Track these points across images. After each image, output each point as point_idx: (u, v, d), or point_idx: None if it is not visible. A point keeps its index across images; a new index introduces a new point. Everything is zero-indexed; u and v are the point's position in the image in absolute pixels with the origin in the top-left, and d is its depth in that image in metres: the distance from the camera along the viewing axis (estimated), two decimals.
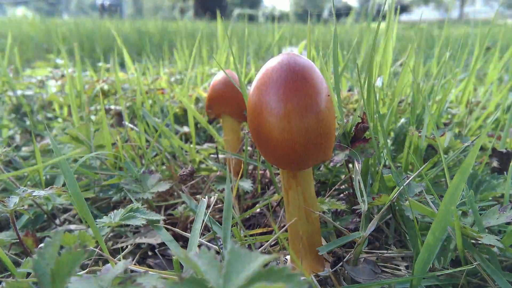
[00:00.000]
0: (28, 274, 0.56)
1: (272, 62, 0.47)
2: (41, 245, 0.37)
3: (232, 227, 0.58)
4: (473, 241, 0.54)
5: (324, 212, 0.65)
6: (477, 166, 0.79)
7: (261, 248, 0.59)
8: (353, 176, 0.62)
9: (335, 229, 0.66)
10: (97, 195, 0.84)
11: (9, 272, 0.58)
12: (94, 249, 0.56)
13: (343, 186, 0.78)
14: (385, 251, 0.63)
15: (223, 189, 0.77)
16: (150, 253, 0.72)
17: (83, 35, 3.66)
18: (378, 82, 1.04)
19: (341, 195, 0.77)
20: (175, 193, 0.86)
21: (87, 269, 0.57)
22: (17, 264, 0.61)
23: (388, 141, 0.91)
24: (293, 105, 0.45)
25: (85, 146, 0.88)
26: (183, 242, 0.72)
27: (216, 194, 0.79)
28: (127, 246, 0.71)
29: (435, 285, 0.54)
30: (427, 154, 0.87)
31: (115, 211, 0.63)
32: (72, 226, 0.76)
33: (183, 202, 0.78)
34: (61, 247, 0.53)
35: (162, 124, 0.89)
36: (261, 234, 0.69)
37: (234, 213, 0.62)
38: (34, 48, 2.92)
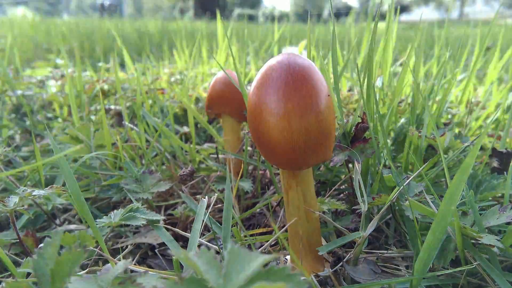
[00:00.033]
0: (28, 274, 0.56)
1: (272, 62, 0.47)
2: (41, 245, 0.37)
3: (232, 227, 0.58)
4: (473, 241, 0.54)
5: (324, 212, 0.65)
6: (477, 166, 0.79)
7: (261, 248, 0.59)
8: (353, 176, 0.62)
9: (335, 229, 0.66)
10: (97, 195, 0.84)
11: (9, 272, 0.58)
12: (94, 249, 0.56)
13: (343, 186, 0.78)
14: (385, 251, 0.63)
15: (223, 189, 0.77)
16: (150, 253, 0.72)
17: (83, 35, 3.66)
18: (378, 82, 1.04)
19: (341, 195, 0.77)
20: (175, 193, 0.86)
21: (87, 269, 0.57)
22: (17, 264, 0.61)
23: (388, 141, 0.91)
24: (293, 105, 0.45)
25: (85, 146, 0.88)
26: (183, 242, 0.72)
27: (216, 194, 0.79)
28: (127, 246, 0.71)
29: (435, 285, 0.54)
30: (427, 154, 0.87)
31: (115, 211, 0.63)
32: (72, 226, 0.76)
33: (183, 202, 0.78)
34: (61, 247, 0.53)
35: (162, 124, 0.89)
36: (261, 234, 0.69)
37: (234, 213, 0.62)
38: (34, 48, 2.92)
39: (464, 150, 0.75)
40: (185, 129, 1.24)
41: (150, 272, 0.39)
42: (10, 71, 1.61)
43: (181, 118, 1.33)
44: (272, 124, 0.46)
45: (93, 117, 1.28)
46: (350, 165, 0.75)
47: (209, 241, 0.67)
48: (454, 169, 0.81)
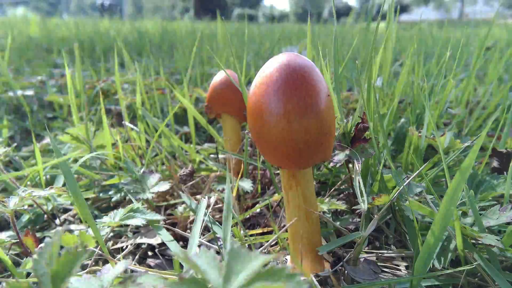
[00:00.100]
0: (28, 274, 0.56)
1: (272, 62, 0.47)
2: (41, 245, 0.37)
3: (232, 227, 0.58)
4: (473, 241, 0.54)
5: (324, 212, 0.65)
6: (477, 166, 0.79)
7: (261, 248, 0.59)
8: (353, 176, 0.62)
9: (335, 229, 0.66)
10: (97, 195, 0.84)
11: (9, 272, 0.58)
12: (94, 249, 0.56)
13: (343, 186, 0.78)
14: (385, 251, 0.63)
15: (223, 189, 0.77)
16: (150, 253, 0.72)
17: (83, 35, 3.66)
18: (378, 82, 1.04)
19: (341, 195, 0.77)
20: (175, 193, 0.86)
21: (87, 269, 0.57)
22: (17, 264, 0.61)
23: (388, 141, 0.91)
24: (293, 105, 0.45)
25: (85, 146, 0.88)
26: (183, 242, 0.72)
27: (216, 194, 0.79)
28: (127, 246, 0.71)
29: (435, 285, 0.54)
30: (427, 154, 0.87)
31: (115, 211, 0.63)
32: (72, 226, 0.76)
33: (183, 202, 0.78)
34: (61, 247, 0.53)
35: (162, 124, 0.89)
36: (261, 234, 0.69)
37: (234, 213, 0.62)
38: (34, 48, 2.91)
39: (464, 150, 0.75)
40: (185, 129, 1.24)
41: (150, 272, 0.39)
42: (10, 71, 1.61)
43: (181, 118, 1.33)
44: (272, 124, 0.46)
45: (93, 117, 1.28)
46: (350, 165, 0.75)
47: (209, 241, 0.67)
48: (454, 169, 0.81)
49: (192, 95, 1.34)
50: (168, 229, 0.63)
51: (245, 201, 0.83)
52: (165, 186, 0.74)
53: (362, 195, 0.58)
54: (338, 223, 0.64)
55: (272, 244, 0.68)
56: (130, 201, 0.81)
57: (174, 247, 0.59)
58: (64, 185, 0.85)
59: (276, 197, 0.75)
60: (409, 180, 0.60)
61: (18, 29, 4.08)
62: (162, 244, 0.72)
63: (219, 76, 0.88)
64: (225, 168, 0.89)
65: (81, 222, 0.79)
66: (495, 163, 0.79)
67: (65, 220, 0.82)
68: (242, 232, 0.66)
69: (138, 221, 0.60)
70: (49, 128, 1.27)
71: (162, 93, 1.36)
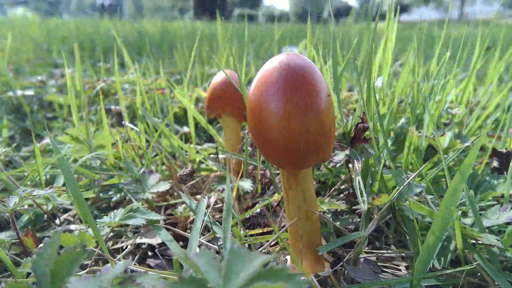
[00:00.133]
0: (28, 274, 0.56)
1: (272, 62, 0.47)
2: (41, 245, 0.37)
3: (232, 227, 0.58)
4: (473, 241, 0.54)
5: (324, 212, 0.65)
6: (477, 166, 0.79)
7: (261, 248, 0.59)
8: (353, 176, 0.61)
9: (335, 229, 0.66)
10: (97, 195, 0.84)
11: (9, 272, 0.58)
12: (94, 249, 0.56)
13: (343, 186, 0.78)
14: (385, 251, 0.63)
15: (223, 189, 0.77)
16: (150, 253, 0.72)
17: (83, 35, 3.66)
18: (378, 82, 1.04)
19: (341, 195, 0.77)
20: (175, 193, 0.86)
21: (87, 269, 0.57)
22: (17, 264, 0.61)
23: (388, 141, 0.91)
24: (293, 104, 0.45)
25: (85, 146, 0.88)
26: (183, 242, 0.72)
27: (216, 194, 0.79)
28: (127, 246, 0.71)
29: (435, 285, 0.54)
30: (427, 154, 0.87)
31: (115, 211, 0.63)
32: (72, 226, 0.76)
33: (183, 202, 0.78)
34: (61, 247, 0.52)
35: (162, 124, 0.89)
36: (261, 234, 0.69)
37: (234, 213, 0.62)
38: (34, 48, 2.92)
39: (464, 150, 0.75)
40: (185, 129, 1.24)
41: (150, 272, 0.39)
42: (10, 71, 1.61)
43: (181, 118, 1.33)
44: (272, 124, 0.46)
45: (93, 117, 1.28)
46: (350, 165, 0.75)
47: (209, 241, 0.67)
48: (454, 169, 0.81)
49: (192, 95, 1.34)
50: (168, 229, 0.63)
51: (245, 201, 0.83)
52: (165, 186, 0.74)
53: (362, 195, 0.58)
54: (338, 223, 0.64)
55: (272, 244, 0.68)
56: (130, 201, 0.81)
57: (174, 247, 0.59)
58: (64, 185, 0.85)
59: (276, 197, 0.75)
60: (409, 180, 0.60)
61: (18, 29, 4.08)
62: (162, 244, 0.72)
63: (219, 76, 0.88)
64: (225, 168, 0.89)
65: (81, 222, 0.79)
66: (495, 163, 0.79)
67: (65, 220, 0.82)
68: (242, 232, 0.66)
69: (138, 221, 0.60)
70: (49, 128, 1.27)
71: (162, 93, 1.36)
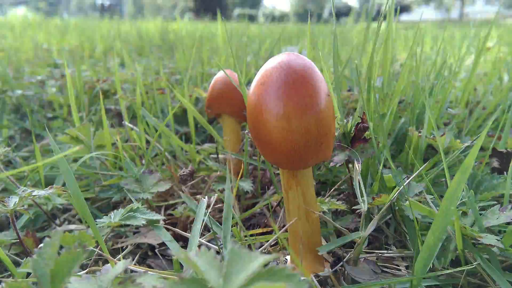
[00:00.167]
0: (28, 274, 0.56)
1: (272, 62, 0.47)
2: (41, 245, 0.37)
3: (232, 227, 0.58)
4: (473, 241, 0.54)
5: (324, 212, 0.65)
6: (477, 166, 0.79)
7: (261, 248, 0.59)
8: (353, 176, 0.61)
9: (335, 229, 0.66)
10: (97, 195, 0.84)
11: (9, 272, 0.58)
12: (94, 249, 0.56)
13: (343, 186, 0.78)
14: (385, 251, 0.63)
15: (223, 189, 0.77)
16: (150, 253, 0.72)
17: (83, 35, 3.66)
18: (378, 82, 1.04)
19: (341, 195, 0.77)
20: (175, 193, 0.86)
21: (87, 269, 0.57)
22: (17, 264, 0.61)
23: (388, 141, 0.91)
24: (293, 104, 0.45)
25: (85, 146, 0.88)
26: (183, 242, 0.72)
27: (216, 194, 0.79)
28: (127, 246, 0.71)
29: (435, 285, 0.54)
30: (427, 154, 0.87)
31: (115, 211, 0.63)
32: (72, 226, 0.76)
33: (183, 202, 0.78)
34: (61, 247, 0.52)
35: (162, 124, 0.89)
36: (261, 234, 0.69)
37: (234, 213, 0.62)
38: (34, 48, 2.92)
39: (464, 150, 0.75)
40: (185, 129, 1.24)
41: (150, 272, 0.39)
42: (10, 71, 1.61)
43: (181, 118, 1.33)
44: (272, 123, 0.46)
45: (93, 117, 1.28)
46: (350, 165, 0.75)
47: (209, 241, 0.66)
48: (454, 169, 0.81)
49: (192, 95, 1.34)
50: (168, 229, 0.63)
51: (245, 201, 0.83)
52: (165, 186, 0.74)
53: (362, 195, 0.58)
54: (338, 223, 0.64)
55: (272, 244, 0.68)
56: (130, 201, 0.81)
57: (174, 247, 0.59)
58: (64, 185, 0.85)
59: (276, 197, 0.75)
60: (409, 180, 0.60)
61: (18, 29, 4.09)
62: (162, 244, 0.72)
63: (219, 76, 0.88)
64: (225, 168, 0.89)
65: (81, 222, 0.79)
66: (495, 163, 0.79)
67: (65, 220, 0.82)
68: (242, 232, 0.66)
69: (138, 221, 0.60)
70: (49, 128, 1.27)
71: (162, 93, 1.36)
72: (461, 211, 0.59)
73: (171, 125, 1.12)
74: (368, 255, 0.61)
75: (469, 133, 1.01)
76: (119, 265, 0.38)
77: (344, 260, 0.57)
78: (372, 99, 0.70)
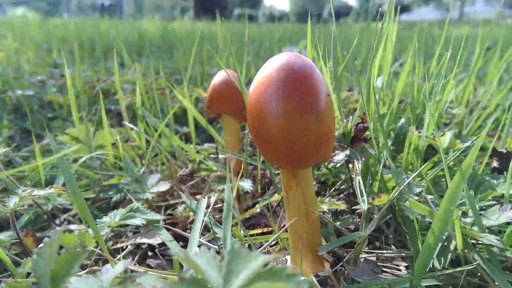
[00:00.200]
0: (28, 274, 0.56)
1: (272, 62, 0.47)
2: (41, 245, 0.37)
3: (232, 227, 0.58)
4: (473, 241, 0.54)
5: (324, 212, 0.65)
6: (477, 166, 0.79)
7: (261, 248, 0.59)
8: (353, 176, 0.61)
9: (335, 229, 0.66)
10: (97, 195, 0.84)
11: (9, 272, 0.58)
12: (94, 249, 0.56)
13: (343, 186, 0.78)
14: (385, 251, 0.63)
15: (223, 189, 0.77)
16: (150, 253, 0.72)
17: (83, 35, 3.66)
18: (378, 82, 1.04)
19: (341, 195, 0.77)
20: (175, 193, 0.86)
21: (87, 269, 0.57)
22: (17, 264, 0.61)
23: (388, 141, 0.91)
24: (293, 104, 0.45)
25: (85, 146, 0.88)
26: (183, 242, 0.72)
27: (216, 194, 0.79)
28: (127, 246, 0.71)
29: (435, 285, 0.54)
30: (427, 154, 0.87)
31: (115, 211, 0.63)
32: (72, 226, 0.76)
33: (183, 202, 0.78)
34: (61, 247, 0.52)
35: (162, 124, 0.89)
36: (261, 234, 0.69)
37: (234, 213, 0.62)
38: (34, 48, 2.92)
39: (464, 150, 0.75)
40: (185, 129, 1.24)
41: (150, 272, 0.39)
42: (10, 71, 1.61)
43: (181, 118, 1.33)
44: (272, 123, 0.46)
45: (93, 117, 1.28)
46: (350, 165, 0.75)
47: (209, 241, 0.67)
48: (454, 169, 0.81)
49: (192, 95, 1.34)
50: (168, 229, 0.63)
51: (245, 201, 0.83)
52: (165, 186, 0.74)
53: (362, 195, 0.58)
54: (338, 223, 0.64)
55: (272, 244, 0.68)
56: (130, 201, 0.81)
57: (174, 247, 0.59)
58: (64, 185, 0.85)
59: (276, 197, 0.75)
60: (409, 180, 0.60)
61: (18, 29, 4.08)
62: (162, 244, 0.72)
63: (219, 76, 0.88)
64: (225, 168, 0.89)
65: (81, 222, 0.79)
66: (495, 163, 0.79)
67: (65, 220, 0.82)
68: (242, 232, 0.66)
69: (138, 221, 0.60)
70: (49, 128, 1.27)
71: (162, 93, 1.36)
72: (461, 211, 0.59)
73: (171, 125, 1.12)
74: (368, 255, 0.61)
75: (469, 133, 1.01)
76: (119, 265, 0.38)
77: (344, 260, 0.57)
78: (372, 99, 0.70)
